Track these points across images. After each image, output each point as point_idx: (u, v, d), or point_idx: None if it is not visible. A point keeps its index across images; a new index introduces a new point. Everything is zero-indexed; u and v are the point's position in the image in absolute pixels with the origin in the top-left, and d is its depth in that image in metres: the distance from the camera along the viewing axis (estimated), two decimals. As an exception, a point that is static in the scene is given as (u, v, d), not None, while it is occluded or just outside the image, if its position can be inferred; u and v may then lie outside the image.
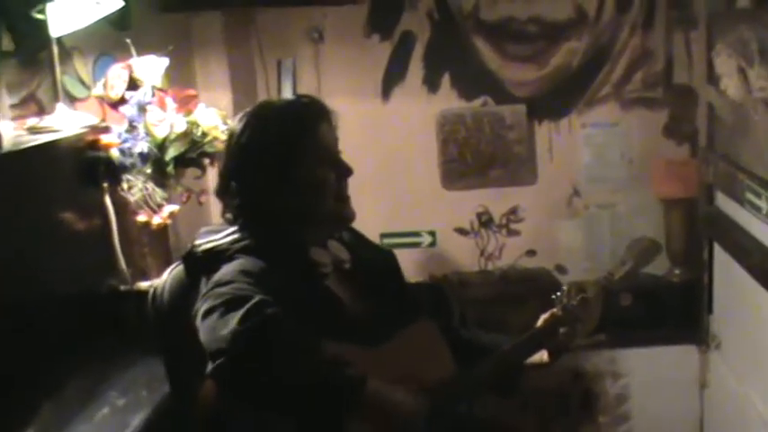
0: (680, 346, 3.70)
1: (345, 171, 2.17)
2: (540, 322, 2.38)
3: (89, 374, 2.42)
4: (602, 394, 3.73)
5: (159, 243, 2.76)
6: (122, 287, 2.66)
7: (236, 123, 2.18)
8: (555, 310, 2.36)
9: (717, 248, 3.48)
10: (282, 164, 2.10)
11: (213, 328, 1.84)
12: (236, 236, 2.11)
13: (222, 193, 2.19)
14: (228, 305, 1.86)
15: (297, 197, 2.12)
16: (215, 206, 2.80)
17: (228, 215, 2.18)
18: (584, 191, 3.81)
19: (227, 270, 2.00)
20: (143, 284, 2.66)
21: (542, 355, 2.38)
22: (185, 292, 2.13)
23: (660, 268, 3.69)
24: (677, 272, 3.74)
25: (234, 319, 1.81)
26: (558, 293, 2.38)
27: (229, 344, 1.79)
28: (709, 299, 3.60)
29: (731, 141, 3.23)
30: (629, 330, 3.61)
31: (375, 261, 2.32)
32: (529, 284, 3.61)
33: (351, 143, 2.24)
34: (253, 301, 1.85)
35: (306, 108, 2.17)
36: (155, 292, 2.31)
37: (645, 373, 3.72)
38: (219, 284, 1.95)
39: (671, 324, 3.70)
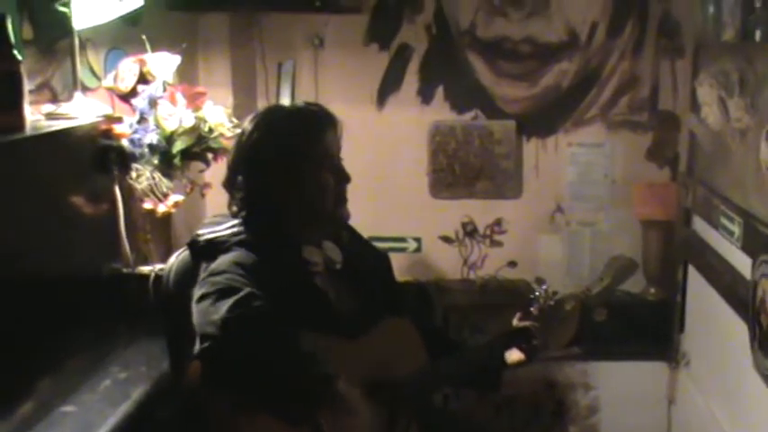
0: (651, 362, 3.88)
1: (345, 178, 2.39)
2: (515, 320, 2.60)
3: (92, 349, 2.62)
4: (574, 405, 3.90)
5: (162, 230, 2.96)
6: (125, 270, 2.84)
7: (246, 123, 2.39)
8: (531, 309, 2.58)
9: (691, 270, 3.63)
10: (287, 166, 2.31)
11: (205, 312, 2.06)
12: (235, 229, 2.31)
13: (229, 185, 2.39)
14: (221, 293, 2.07)
15: (298, 198, 2.33)
16: (212, 199, 3.02)
17: (234, 207, 2.38)
18: (567, 208, 3.99)
19: (222, 260, 2.21)
20: (145, 268, 2.85)
21: (520, 355, 2.59)
22: (190, 275, 2.33)
23: (636, 286, 3.90)
24: (652, 290, 3.92)
25: (224, 306, 2.03)
26: (537, 293, 2.60)
27: (218, 329, 2.01)
28: (681, 318, 3.77)
29: (709, 168, 3.41)
30: (602, 344, 3.74)
31: (367, 261, 2.54)
32: (508, 295, 3.76)
33: (344, 147, 2.43)
34: (243, 293, 2.06)
35: (314, 115, 2.38)
36: (161, 274, 2.52)
37: (615, 386, 3.89)
38: (214, 273, 2.16)
39: (643, 340, 3.87)
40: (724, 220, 3.11)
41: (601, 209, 3.99)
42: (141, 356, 2.69)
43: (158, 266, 2.77)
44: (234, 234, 2.30)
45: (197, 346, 2.06)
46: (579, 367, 3.90)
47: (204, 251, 2.29)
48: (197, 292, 2.15)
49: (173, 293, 2.44)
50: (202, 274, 2.23)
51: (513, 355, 2.56)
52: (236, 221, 2.35)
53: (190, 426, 2.27)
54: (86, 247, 2.70)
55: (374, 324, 2.37)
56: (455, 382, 2.72)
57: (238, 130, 2.50)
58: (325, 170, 2.34)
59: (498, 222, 4.00)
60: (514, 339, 2.57)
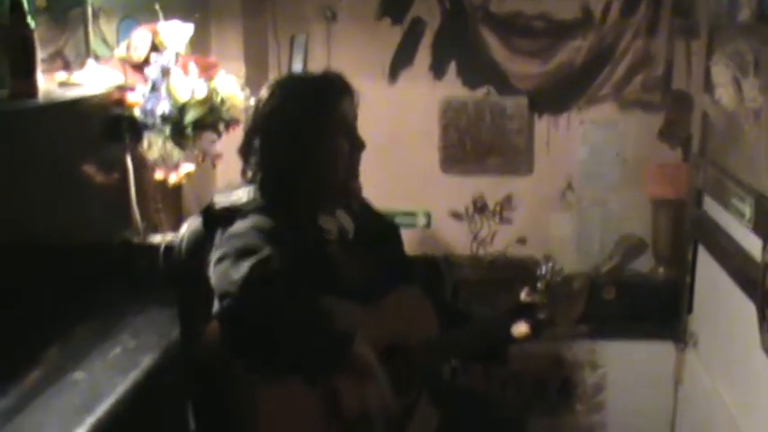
0: (658, 342, 3.88)
1: (360, 145, 2.41)
2: (522, 295, 2.64)
3: (103, 317, 2.65)
4: (580, 383, 3.92)
5: (173, 200, 2.98)
6: (135, 239, 2.88)
7: (264, 90, 2.41)
8: (538, 284, 2.62)
9: (701, 250, 3.64)
10: (303, 131, 2.34)
11: (225, 273, 2.06)
12: (251, 196, 2.34)
13: (244, 151, 2.41)
14: (240, 254, 2.08)
15: (313, 163, 2.35)
16: (224, 170, 3.05)
17: (248, 173, 2.40)
18: (578, 186, 3.99)
19: (241, 225, 2.23)
20: (155, 238, 2.89)
21: (526, 329, 2.62)
22: (202, 244, 2.34)
23: (645, 266, 3.92)
24: (661, 270, 3.92)
25: (244, 266, 2.03)
26: (543, 270, 2.64)
27: (238, 288, 2.01)
28: (689, 298, 3.77)
29: (722, 148, 3.40)
30: (610, 323, 3.82)
31: (377, 231, 2.57)
32: (517, 271, 3.77)
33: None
34: (264, 253, 2.07)
35: (331, 83, 2.41)
36: (171, 244, 2.54)
37: (622, 365, 3.91)
38: (234, 236, 2.18)
39: (651, 320, 3.88)
40: (735, 201, 3.11)
41: (612, 188, 3.98)
42: (151, 325, 2.71)
43: (169, 236, 2.80)
44: (250, 201, 2.33)
45: (215, 307, 2.06)
46: (586, 345, 3.91)
47: (221, 217, 2.31)
48: (215, 254, 2.16)
49: (184, 262, 2.46)
50: (218, 239, 2.24)
51: (520, 329, 2.61)
52: (251, 188, 2.37)
53: (201, 390, 2.30)
54: (97, 216, 2.74)
55: (386, 293, 2.40)
56: (463, 354, 2.75)
57: (251, 102, 2.52)
58: (340, 136, 2.37)
59: (509, 199, 4.01)
60: (521, 313, 2.61)
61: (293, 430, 2.15)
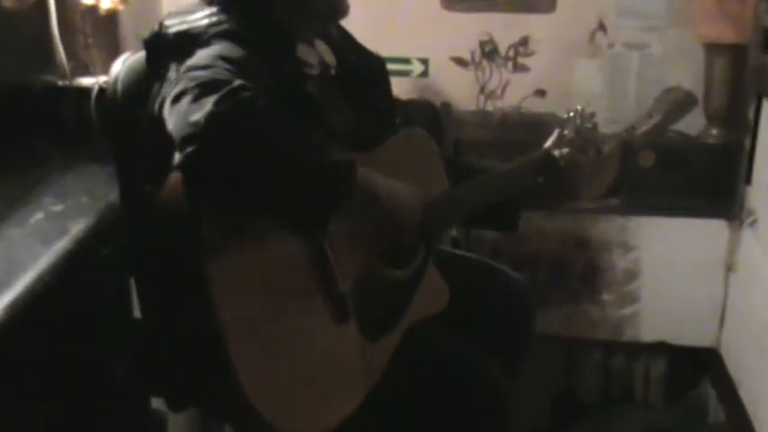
0: (706, 220, 3.85)
1: None
2: (548, 142, 2.65)
3: (20, 177, 2.62)
4: (609, 267, 3.92)
5: (107, 33, 2.93)
6: (60, 82, 2.83)
7: None
8: (566, 131, 2.60)
9: (765, 107, 3.58)
10: None
11: (185, 112, 1.95)
12: (214, 18, 2.24)
13: None
14: (204, 88, 1.96)
15: None
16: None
17: None
18: (612, 25, 3.91)
19: (203, 54, 2.13)
20: (85, 80, 2.84)
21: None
22: (143, 83, 2.28)
23: (693, 126, 3.87)
24: (714, 132, 3.87)
25: (209, 102, 1.91)
26: (572, 113, 2.62)
27: (202, 128, 1.89)
28: (748, 167, 3.72)
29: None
30: (647, 196, 3.81)
31: (362, 65, 2.54)
32: (534, 130, 3.72)
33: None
34: (231, 85, 1.95)
35: None
36: (105, 87, 2.48)
37: (661, 247, 3.89)
38: (194, 68, 2.07)
39: (699, 193, 3.85)
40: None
41: (653, 28, 3.90)
42: (82, 185, 2.70)
43: (102, 78, 2.75)
44: (213, 24, 2.23)
45: (177, 155, 1.94)
46: (617, 222, 3.88)
47: (174, 47, 2.21)
48: (171, 90, 2.04)
49: (121, 107, 2.40)
50: (173, 72, 2.15)
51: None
52: (213, 9, 2.27)
53: (150, 265, 2.27)
54: (10, 54, 2.68)
55: (380, 137, 2.38)
56: (471, 214, 2.74)
57: None
58: None
59: (524, 41, 3.95)
60: (549, 164, 2.64)
61: (273, 299, 2.08)
